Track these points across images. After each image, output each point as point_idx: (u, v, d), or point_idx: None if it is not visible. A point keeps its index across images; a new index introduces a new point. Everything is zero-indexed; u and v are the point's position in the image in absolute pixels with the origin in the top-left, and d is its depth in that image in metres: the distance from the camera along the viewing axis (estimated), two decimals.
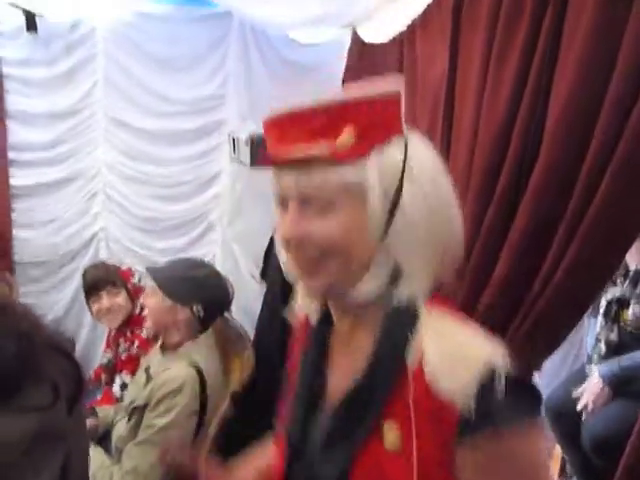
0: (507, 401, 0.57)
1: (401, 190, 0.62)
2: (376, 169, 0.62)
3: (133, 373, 1.98)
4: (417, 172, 0.64)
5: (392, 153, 0.64)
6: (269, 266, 2.06)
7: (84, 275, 2.16)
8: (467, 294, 1.21)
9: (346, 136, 0.61)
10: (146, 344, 2.02)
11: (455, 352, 0.59)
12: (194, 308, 1.65)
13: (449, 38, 1.53)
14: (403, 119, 0.67)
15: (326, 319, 0.74)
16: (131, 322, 2.08)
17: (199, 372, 1.54)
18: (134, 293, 2.10)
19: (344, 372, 0.68)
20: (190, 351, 1.61)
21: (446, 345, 0.60)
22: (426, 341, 0.61)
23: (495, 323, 1.14)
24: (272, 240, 2.08)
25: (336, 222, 0.62)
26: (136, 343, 2.04)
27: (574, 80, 1.09)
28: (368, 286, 0.64)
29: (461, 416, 0.57)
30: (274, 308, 1.97)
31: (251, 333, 2.05)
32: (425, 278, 0.65)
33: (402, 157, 0.64)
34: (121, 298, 2.07)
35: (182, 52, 2.70)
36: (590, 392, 1.95)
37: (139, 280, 2.17)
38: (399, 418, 0.60)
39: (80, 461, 0.67)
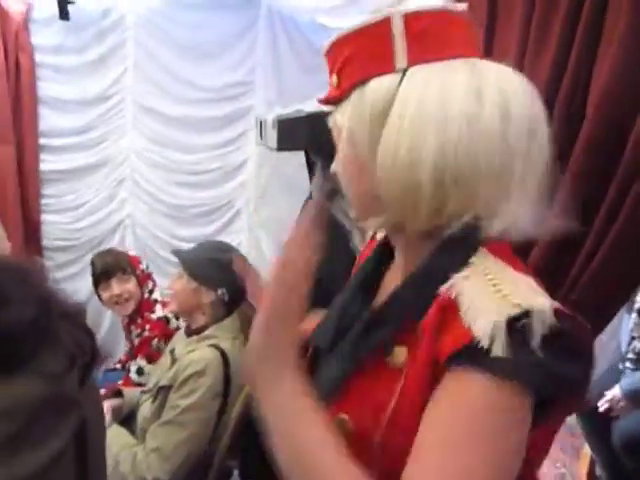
0: (526, 359, 0.49)
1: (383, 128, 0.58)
2: (352, 105, 0.61)
3: (148, 356, 1.99)
4: (401, 97, 0.57)
5: (373, 88, 0.59)
6: None
7: (93, 263, 2.13)
8: None
9: (332, 78, 0.63)
10: (157, 326, 2.03)
11: (495, 289, 0.54)
12: (219, 291, 1.64)
13: (485, 17, 1.49)
14: (402, 50, 0.58)
15: (386, 250, 0.74)
16: (141, 308, 2.08)
17: (223, 354, 1.53)
18: (142, 280, 2.11)
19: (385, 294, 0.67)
20: (215, 334, 1.61)
21: (489, 281, 0.55)
22: (468, 274, 0.56)
23: None
24: None
25: (337, 159, 0.66)
26: (147, 327, 2.04)
27: (616, 64, 1.04)
28: (374, 222, 0.66)
29: (467, 345, 0.51)
30: None
31: None
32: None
33: (389, 90, 0.58)
34: (131, 285, 2.07)
35: (210, 39, 2.70)
36: (610, 401, 2.02)
37: (147, 267, 2.18)
38: (412, 338, 0.57)
39: (96, 430, 0.67)
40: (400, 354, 0.58)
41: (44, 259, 2.80)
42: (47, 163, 2.74)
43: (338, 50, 0.62)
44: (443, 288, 0.56)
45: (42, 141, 2.72)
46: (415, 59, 0.58)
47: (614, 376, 2.15)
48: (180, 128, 2.75)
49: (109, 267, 2.07)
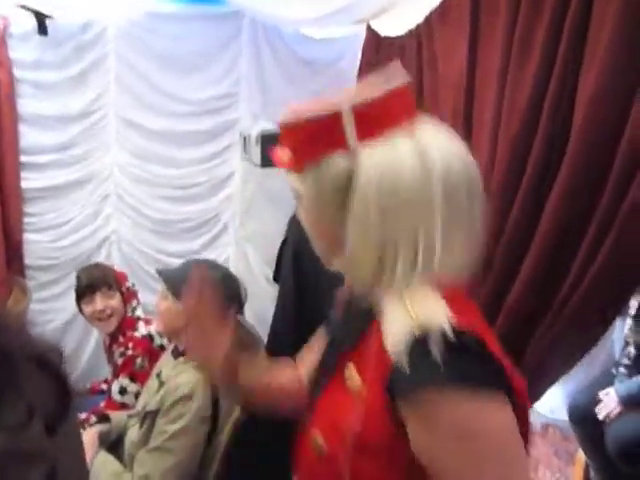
0: (446, 365, 0.58)
1: (347, 197, 0.69)
2: (311, 179, 0.71)
3: (131, 375, 1.95)
4: (363, 182, 0.67)
5: (330, 166, 0.70)
6: (282, 267, 2.01)
7: (78, 276, 2.08)
8: (493, 290, 1.15)
9: (287, 150, 0.74)
10: (141, 343, 1.98)
11: (405, 312, 0.64)
12: None
13: (468, 28, 1.48)
14: (352, 134, 0.68)
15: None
16: (123, 325, 2.03)
17: None
18: (127, 297, 2.07)
19: None
20: None
21: (402, 307, 0.65)
22: (391, 298, 0.67)
23: (524, 321, 1.08)
24: (285, 241, 2.03)
25: (300, 210, 0.77)
26: (130, 345, 1.99)
27: (603, 68, 1.02)
28: (337, 266, 0.75)
29: (392, 368, 0.62)
30: (287, 310, 1.93)
31: (264, 335, 2.01)
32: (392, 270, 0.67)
33: (345, 169, 0.68)
34: (115, 301, 2.02)
35: (193, 51, 2.66)
36: (606, 408, 2.03)
37: (133, 285, 2.14)
38: (362, 363, 0.69)
39: (72, 473, 0.64)
40: (354, 376, 0.69)
41: (27, 279, 2.73)
42: (29, 181, 2.68)
43: (293, 131, 0.73)
44: (377, 314, 0.68)
45: (23, 159, 2.66)
46: (364, 137, 0.68)
47: (607, 380, 2.15)
48: (164, 142, 2.71)
49: (95, 281, 2.03)
